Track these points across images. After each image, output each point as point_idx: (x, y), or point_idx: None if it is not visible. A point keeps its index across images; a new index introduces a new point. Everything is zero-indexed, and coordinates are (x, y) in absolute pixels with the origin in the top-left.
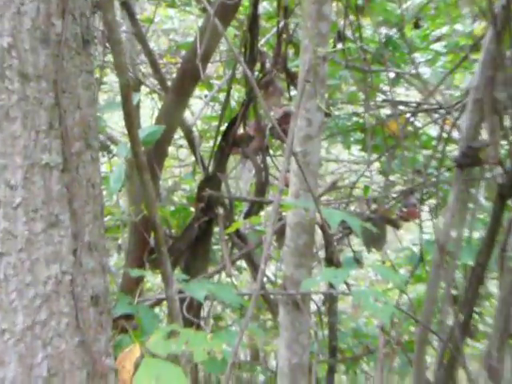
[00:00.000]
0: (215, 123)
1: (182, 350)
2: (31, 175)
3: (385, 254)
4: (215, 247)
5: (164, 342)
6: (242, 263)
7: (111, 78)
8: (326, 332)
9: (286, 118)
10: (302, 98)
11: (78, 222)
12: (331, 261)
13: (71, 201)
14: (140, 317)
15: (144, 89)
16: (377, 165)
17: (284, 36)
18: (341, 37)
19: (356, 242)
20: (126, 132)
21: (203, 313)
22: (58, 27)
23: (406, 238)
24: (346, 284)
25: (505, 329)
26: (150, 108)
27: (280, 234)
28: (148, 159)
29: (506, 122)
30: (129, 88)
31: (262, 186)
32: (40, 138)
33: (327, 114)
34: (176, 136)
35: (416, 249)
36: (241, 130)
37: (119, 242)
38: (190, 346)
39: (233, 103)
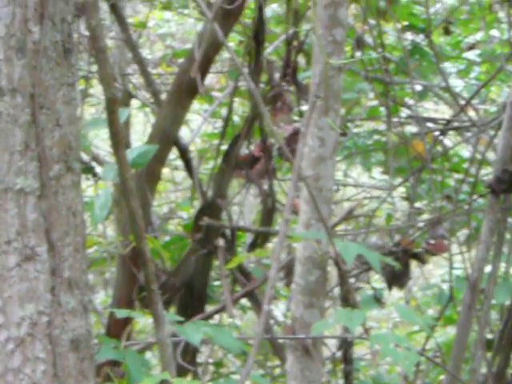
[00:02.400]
0: (216, 142)
1: None
2: (4, 202)
3: (409, 292)
4: (215, 283)
5: None
6: (246, 302)
7: (98, 90)
8: (341, 382)
9: (295, 137)
10: (312, 115)
11: (57, 255)
12: (347, 301)
13: (49, 231)
14: (127, 363)
15: (135, 102)
16: (401, 190)
17: (294, 43)
18: (359, 44)
19: (376, 279)
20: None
21: (201, 358)
22: (36, 34)
23: (434, 273)
24: (364, 327)
25: None
26: (142, 124)
27: (288, 269)
28: (138, 183)
29: None
30: (115, 103)
31: (268, 215)
32: (14, 160)
33: (343, 133)
34: (171, 156)
35: (445, 286)
36: (244, 151)
37: (106, 276)
38: None
39: (236, 119)
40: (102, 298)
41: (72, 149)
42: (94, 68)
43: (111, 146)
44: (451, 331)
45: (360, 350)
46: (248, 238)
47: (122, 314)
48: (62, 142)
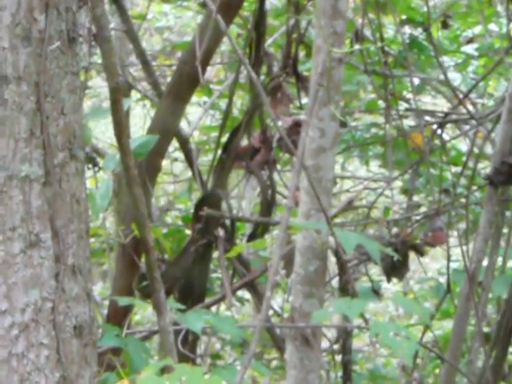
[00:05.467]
0: (215, 134)
1: None
2: (9, 189)
3: (407, 285)
4: (213, 275)
5: (156, 379)
6: (244, 294)
7: (97, 83)
8: (339, 373)
9: (295, 129)
10: (315, 105)
11: (61, 242)
12: (346, 290)
13: (53, 218)
14: (129, 351)
15: (135, 95)
16: (399, 183)
17: (294, 35)
18: (358, 37)
19: (374, 272)
20: (114, 143)
21: (200, 350)
22: (41, 23)
23: (432, 267)
24: (363, 317)
25: None
26: (141, 117)
27: (288, 259)
28: (139, 174)
29: None
30: (119, 92)
31: (267, 206)
32: (19, 148)
33: (343, 124)
34: (170, 148)
35: (443, 279)
36: (244, 142)
37: (105, 267)
38: (186, 382)
39: (235, 112)
40: (99, 289)
41: (76, 137)
42: (94, 59)
43: (114, 134)
44: (448, 325)
45: (357, 344)
46: (247, 229)
47: (123, 301)
48: (66, 129)
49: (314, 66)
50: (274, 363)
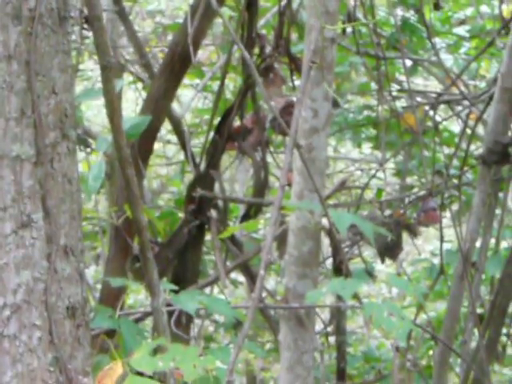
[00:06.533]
0: (208, 117)
1: (170, 367)
2: (0, 168)
3: (400, 267)
4: (206, 258)
5: (150, 359)
6: (237, 277)
7: (89, 66)
8: (334, 355)
9: (288, 109)
10: (308, 83)
11: (53, 222)
12: (340, 271)
13: (45, 198)
14: (122, 332)
15: (127, 78)
16: (391, 165)
17: (287, 14)
18: (351, 18)
19: (367, 254)
20: (106, 125)
21: (193, 333)
22: (32, 1)
23: (425, 248)
24: (357, 298)
25: None
26: (133, 101)
27: (281, 240)
28: (131, 155)
29: None
30: (110, 71)
31: (260, 186)
32: (10, 127)
33: (336, 104)
34: (162, 131)
35: (436, 260)
36: (237, 123)
37: (98, 251)
38: (179, 363)
39: (228, 94)
40: (91, 273)
41: (68, 116)
42: (86, 43)
43: (106, 113)
44: (442, 306)
45: (351, 326)
46: (240, 211)
47: (116, 282)
48: (57, 109)
49: (307, 44)
50: (268, 346)
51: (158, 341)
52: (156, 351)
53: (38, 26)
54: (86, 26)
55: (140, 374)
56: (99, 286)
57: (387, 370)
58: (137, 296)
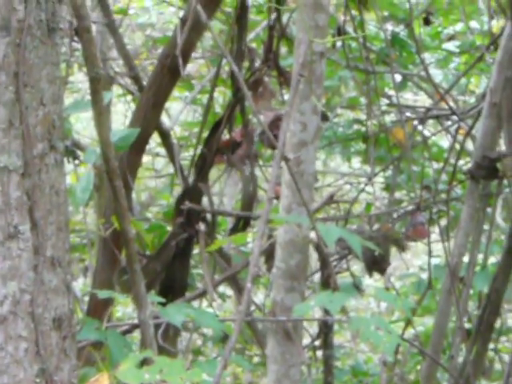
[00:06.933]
0: (197, 130)
1: (157, 379)
2: None
3: (389, 281)
4: (194, 271)
5: (136, 371)
6: (226, 290)
7: (78, 78)
8: (321, 369)
9: (277, 123)
10: (296, 96)
11: (40, 233)
12: (327, 285)
13: (32, 209)
14: (109, 344)
15: (116, 90)
16: (380, 179)
17: (276, 28)
18: (341, 33)
19: (355, 269)
20: (95, 138)
21: (181, 346)
22: (21, 13)
23: (413, 263)
24: (345, 312)
25: None
26: (122, 113)
27: (269, 254)
28: (119, 167)
29: None
30: (99, 82)
31: (249, 200)
32: None
33: (325, 117)
34: (151, 144)
35: (424, 275)
36: (226, 136)
37: (86, 263)
38: (166, 375)
39: (217, 108)
40: (79, 285)
41: (56, 128)
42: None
43: (95, 125)
44: (429, 321)
45: (338, 340)
46: (228, 225)
47: (103, 294)
48: (45, 120)
49: (296, 58)
50: (256, 359)
51: (144, 353)
52: (143, 363)
53: (26, 37)
54: (75, 38)
55: None
56: (87, 299)
57: None
58: (125, 309)
